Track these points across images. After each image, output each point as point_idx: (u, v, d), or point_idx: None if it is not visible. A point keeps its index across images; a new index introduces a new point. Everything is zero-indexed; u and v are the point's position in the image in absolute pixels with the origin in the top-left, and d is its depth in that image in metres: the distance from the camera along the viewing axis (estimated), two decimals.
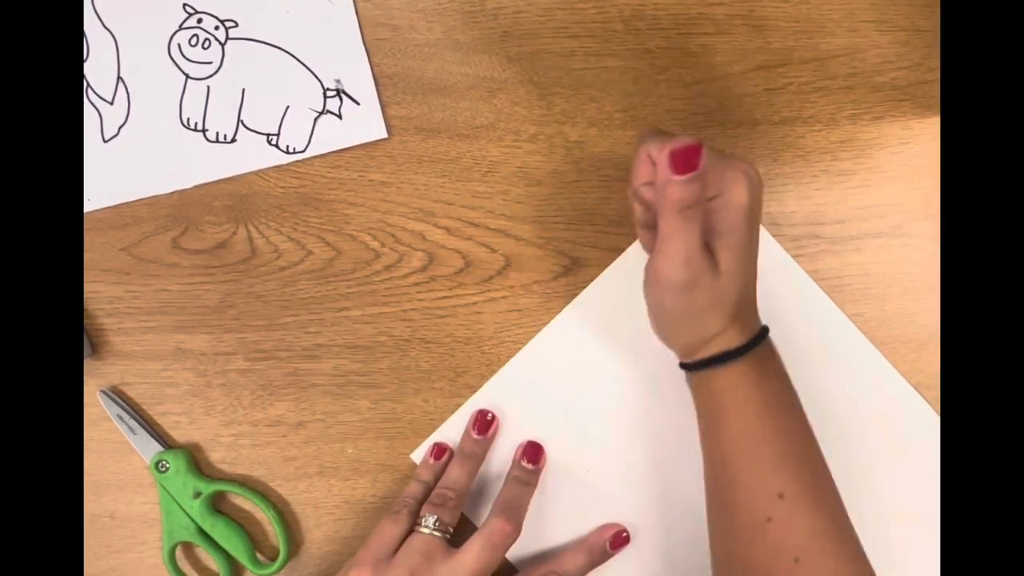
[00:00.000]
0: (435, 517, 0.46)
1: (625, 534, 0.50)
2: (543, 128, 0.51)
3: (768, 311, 0.51)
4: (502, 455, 0.51)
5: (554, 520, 0.51)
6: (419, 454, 0.52)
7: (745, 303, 0.43)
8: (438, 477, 0.50)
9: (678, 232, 0.39)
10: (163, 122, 0.52)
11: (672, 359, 0.51)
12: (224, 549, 0.52)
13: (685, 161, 0.37)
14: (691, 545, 0.51)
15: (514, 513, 0.46)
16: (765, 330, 0.44)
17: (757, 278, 0.43)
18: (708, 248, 0.40)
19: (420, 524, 0.46)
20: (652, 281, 0.42)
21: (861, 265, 0.51)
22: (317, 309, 0.52)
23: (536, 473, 0.50)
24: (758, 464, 0.41)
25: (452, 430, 0.52)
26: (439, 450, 0.51)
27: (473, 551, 0.44)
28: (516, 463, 0.50)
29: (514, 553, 0.51)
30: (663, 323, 0.44)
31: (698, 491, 0.51)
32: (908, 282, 0.51)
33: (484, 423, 0.50)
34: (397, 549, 0.46)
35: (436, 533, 0.46)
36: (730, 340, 0.42)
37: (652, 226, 0.42)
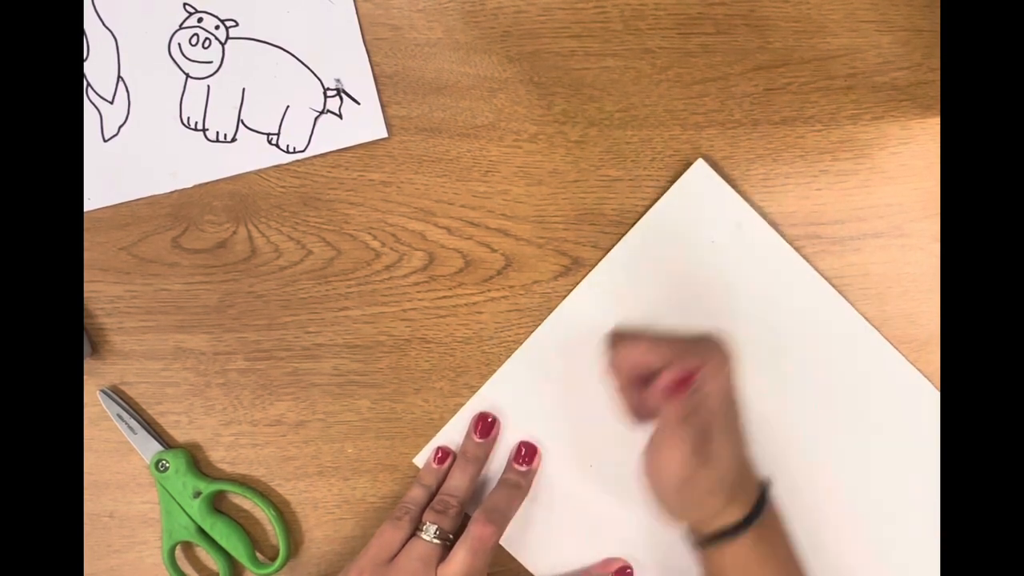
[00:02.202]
0: (436, 526, 0.46)
1: (629, 570, 0.50)
2: (543, 128, 0.51)
3: (775, 307, 0.51)
4: (502, 455, 0.51)
5: (555, 516, 0.51)
6: (422, 458, 0.52)
7: (741, 476, 0.44)
8: (441, 481, 0.50)
9: (676, 438, 0.41)
10: (163, 122, 0.52)
11: None
12: (224, 549, 0.52)
13: (681, 386, 0.40)
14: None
15: (496, 516, 0.47)
16: (764, 494, 0.44)
17: (747, 444, 0.44)
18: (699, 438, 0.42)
19: (421, 531, 0.47)
20: (652, 478, 0.43)
21: (861, 265, 0.51)
22: (317, 309, 0.52)
23: (528, 475, 0.50)
24: None
25: (453, 432, 0.52)
26: (442, 454, 0.51)
27: (459, 559, 0.45)
28: (509, 464, 0.51)
29: (518, 551, 0.51)
30: (665, 509, 0.45)
31: None
32: (908, 282, 0.51)
33: (486, 426, 0.50)
34: (397, 554, 0.46)
35: (436, 541, 0.46)
36: (732, 514, 0.43)
37: (638, 406, 0.45)
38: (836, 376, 0.51)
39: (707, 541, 0.44)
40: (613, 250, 0.51)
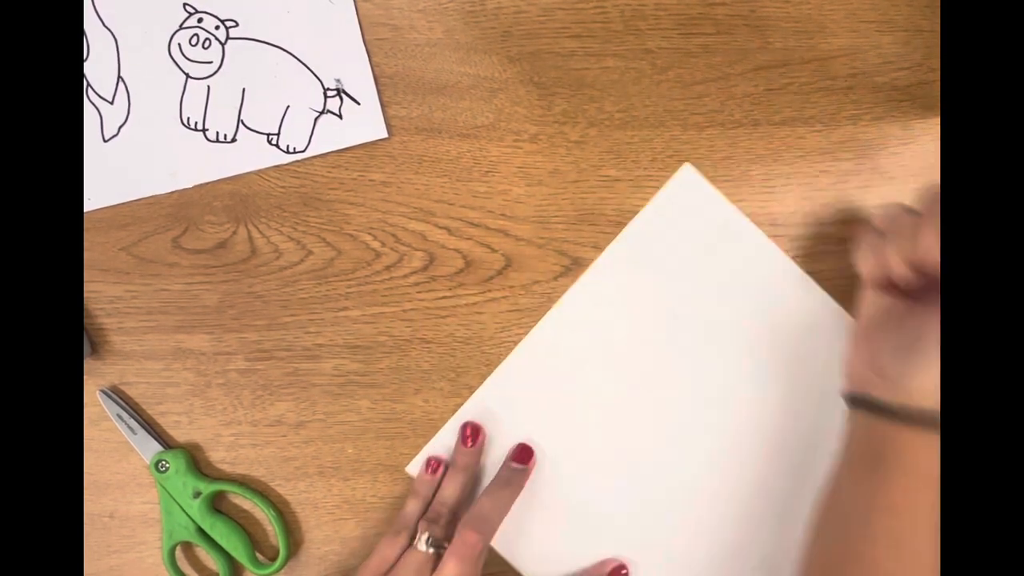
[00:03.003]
0: (427, 534, 0.47)
1: (624, 570, 0.50)
2: (543, 128, 0.51)
3: (767, 310, 0.51)
4: (501, 456, 0.51)
5: (551, 518, 0.51)
6: (414, 467, 0.52)
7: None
8: (436, 490, 0.50)
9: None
10: (163, 122, 0.52)
11: (656, 354, 0.51)
12: (224, 549, 0.52)
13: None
14: (695, 537, 0.51)
15: (480, 522, 0.47)
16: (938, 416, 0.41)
17: None
18: None
19: (416, 541, 0.47)
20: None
21: None
22: (317, 309, 0.52)
23: (522, 473, 0.50)
24: (909, 550, 0.40)
25: (448, 438, 0.52)
26: (434, 463, 0.51)
27: (449, 566, 0.46)
28: (505, 462, 0.51)
29: (513, 555, 0.51)
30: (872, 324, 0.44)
31: (697, 478, 0.51)
32: None
33: (471, 434, 0.51)
34: (394, 565, 0.47)
35: (430, 549, 0.47)
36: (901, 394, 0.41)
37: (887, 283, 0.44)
38: (835, 376, 0.51)
39: (863, 403, 0.43)
40: (602, 255, 0.51)
